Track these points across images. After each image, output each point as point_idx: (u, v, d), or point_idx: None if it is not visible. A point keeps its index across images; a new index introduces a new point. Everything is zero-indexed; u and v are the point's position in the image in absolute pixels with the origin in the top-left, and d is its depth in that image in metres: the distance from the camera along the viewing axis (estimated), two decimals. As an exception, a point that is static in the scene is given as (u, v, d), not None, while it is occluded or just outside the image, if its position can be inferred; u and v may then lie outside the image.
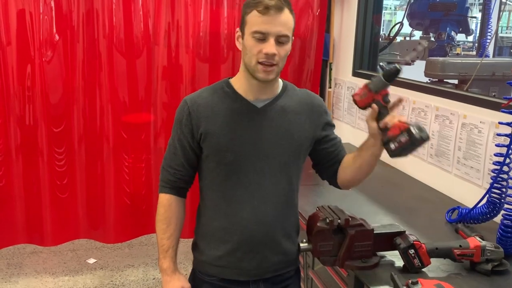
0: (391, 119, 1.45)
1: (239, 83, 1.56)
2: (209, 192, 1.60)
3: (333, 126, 1.69)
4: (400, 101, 1.48)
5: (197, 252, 1.66)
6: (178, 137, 1.58)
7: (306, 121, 1.60)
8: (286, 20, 1.44)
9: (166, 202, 1.62)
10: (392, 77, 1.46)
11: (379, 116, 1.47)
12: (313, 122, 1.61)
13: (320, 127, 1.63)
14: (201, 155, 1.58)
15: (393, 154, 1.45)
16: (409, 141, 1.40)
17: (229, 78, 1.61)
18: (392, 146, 1.43)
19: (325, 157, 1.66)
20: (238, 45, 1.52)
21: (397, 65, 1.44)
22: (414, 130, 1.38)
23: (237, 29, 1.52)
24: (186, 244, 1.91)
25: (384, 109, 1.46)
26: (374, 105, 1.47)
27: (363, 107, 1.51)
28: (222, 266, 1.59)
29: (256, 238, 1.56)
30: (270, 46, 1.42)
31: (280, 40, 1.43)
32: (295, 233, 1.68)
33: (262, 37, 1.42)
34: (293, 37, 1.52)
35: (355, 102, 1.52)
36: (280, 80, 1.62)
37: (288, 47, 1.47)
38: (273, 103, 1.56)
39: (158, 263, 1.63)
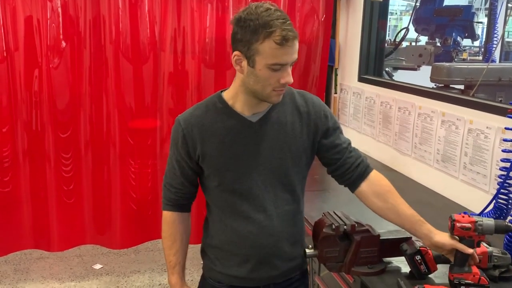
0: (473, 261, 1.47)
1: (235, 99, 1.51)
2: (215, 208, 1.60)
3: (336, 129, 1.61)
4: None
5: (207, 260, 1.67)
6: (175, 157, 1.57)
7: (303, 129, 1.55)
8: (297, 46, 1.40)
9: (169, 219, 1.63)
10: (502, 232, 1.49)
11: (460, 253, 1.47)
12: (311, 130, 1.56)
13: (319, 134, 1.57)
14: (203, 174, 1.56)
15: None
16: None
17: (221, 92, 1.56)
18: None
19: (333, 163, 1.60)
20: (239, 68, 1.43)
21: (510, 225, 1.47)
22: None
23: (236, 52, 1.40)
24: (191, 250, 1.90)
25: (470, 247, 1.47)
26: (465, 247, 1.46)
27: (456, 235, 1.48)
28: (233, 276, 1.60)
29: (265, 250, 1.56)
30: (289, 76, 1.40)
31: (291, 64, 1.42)
32: (302, 238, 1.68)
33: (279, 68, 1.38)
34: None
35: (453, 226, 1.47)
36: None
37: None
38: (268, 115, 1.51)
39: (168, 278, 1.67)
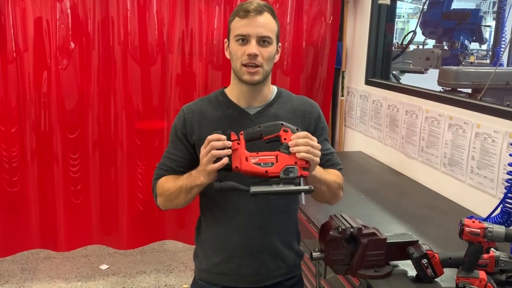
0: None
1: (231, 90, 1.60)
2: (206, 199, 1.61)
3: (323, 134, 1.63)
4: None
5: (197, 260, 1.68)
6: (173, 139, 1.59)
7: (298, 125, 1.54)
8: (266, 22, 1.47)
9: (165, 177, 1.57)
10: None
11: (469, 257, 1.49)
12: (304, 127, 1.56)
13: (310, 131, 1.55)
14: (197, 164, 1.49)
15: None
16: None
17: (224, 88, 1.64)
18: None
19: None
20: (227, 54, 1.56)
21: None
22: None
23: (225, 39, 1.57)
24: (190, 251, 1.90)
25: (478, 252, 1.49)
26: None
27: (465, 239, 1.48)
28: (222, 274, 1.61)
29: (253, 242, 1.57)
30: (251, 47, 1.45)
31: (262, 41, 1.46)
32: (295, 241, 1.68)
33: (244, 40, 1.46)
34: (279, 45, 1.55)
35: (462, 230, 1.47)
36: (274, 87, 1.63)
37: (271, 49, 1.49)
38: (265, 110, 1.57)
39: (196, 183, 1.44)
